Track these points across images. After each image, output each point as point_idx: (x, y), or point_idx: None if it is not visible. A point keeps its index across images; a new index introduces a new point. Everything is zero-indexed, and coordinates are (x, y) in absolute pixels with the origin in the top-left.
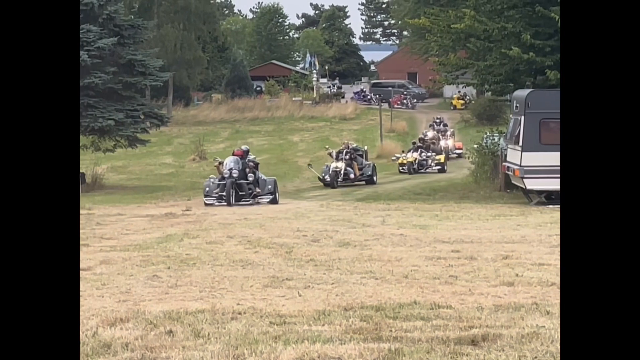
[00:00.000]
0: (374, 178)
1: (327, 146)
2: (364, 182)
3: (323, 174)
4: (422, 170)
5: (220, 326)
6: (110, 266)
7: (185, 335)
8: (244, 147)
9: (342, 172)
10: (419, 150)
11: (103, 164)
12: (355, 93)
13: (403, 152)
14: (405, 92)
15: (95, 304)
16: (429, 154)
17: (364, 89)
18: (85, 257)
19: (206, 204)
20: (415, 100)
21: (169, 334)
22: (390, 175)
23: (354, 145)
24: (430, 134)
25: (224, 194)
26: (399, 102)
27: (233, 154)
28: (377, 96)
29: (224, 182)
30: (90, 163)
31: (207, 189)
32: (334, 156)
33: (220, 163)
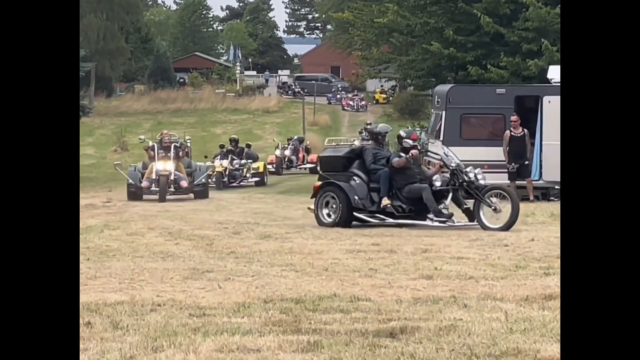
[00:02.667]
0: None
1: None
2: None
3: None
4: (235, 183)
5: (139, 318)
6: None
7: (104, 327)
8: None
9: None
10: (230, 156)
11: None
12: (279, 87)
13: (206, 157)
14: (356, 93)
15: None
16: (242, 162)
17: (288, 82)
18: None
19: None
20: (363, 103)
21: (87, 326)
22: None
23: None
24: (288, 151)
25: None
26: (348, 104)
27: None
28: (302, 90)
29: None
30: None
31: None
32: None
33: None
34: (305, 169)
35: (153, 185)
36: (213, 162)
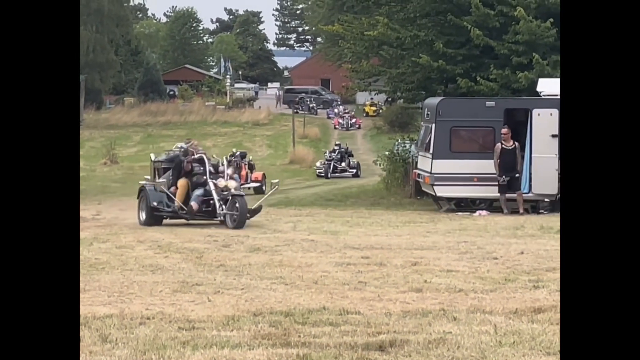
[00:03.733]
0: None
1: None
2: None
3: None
4: None
5: (129, 331)
6: None
7: (93, 340)
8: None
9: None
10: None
11: None
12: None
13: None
14: (347, 110)
15: None
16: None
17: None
18: None
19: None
20: (354, 120)
21: None
22: (302, 182)
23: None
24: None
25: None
26: (338, 123)
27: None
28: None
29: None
30: None
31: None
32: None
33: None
34: (248, 188)
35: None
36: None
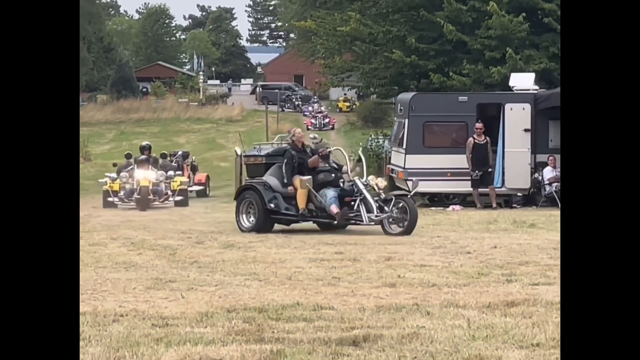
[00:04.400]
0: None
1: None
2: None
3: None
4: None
5: (102, 328)
6: None
7: None
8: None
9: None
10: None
11: None
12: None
13: (115, 165)
14: (320, 110)
15: None
16: (169, 174)
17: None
18: None
19: None
20: (327, 120)
21: None
22: None
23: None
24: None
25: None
26: (310, 124)
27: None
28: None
29: None
30: None
31: None
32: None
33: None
34: (191, 191)
35: None
36: (118, 175)
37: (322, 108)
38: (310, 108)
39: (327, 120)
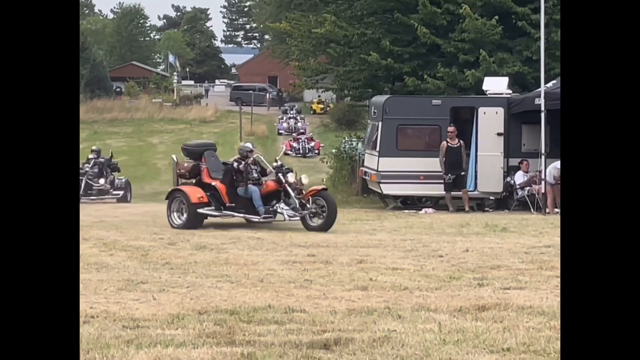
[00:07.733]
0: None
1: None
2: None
3: None
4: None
5: None
6: None
7: None
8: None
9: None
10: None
11: None
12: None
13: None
14: (302, 130)
15: None
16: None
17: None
18: None
19: None
20: (312, 145)
21: None
22: None
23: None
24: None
25: None
26: (291, 148)
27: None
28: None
29: None
30: None
31: None
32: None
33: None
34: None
35: None
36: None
37: (299, 118)
38: (285, 124)
39: (312, 144)
